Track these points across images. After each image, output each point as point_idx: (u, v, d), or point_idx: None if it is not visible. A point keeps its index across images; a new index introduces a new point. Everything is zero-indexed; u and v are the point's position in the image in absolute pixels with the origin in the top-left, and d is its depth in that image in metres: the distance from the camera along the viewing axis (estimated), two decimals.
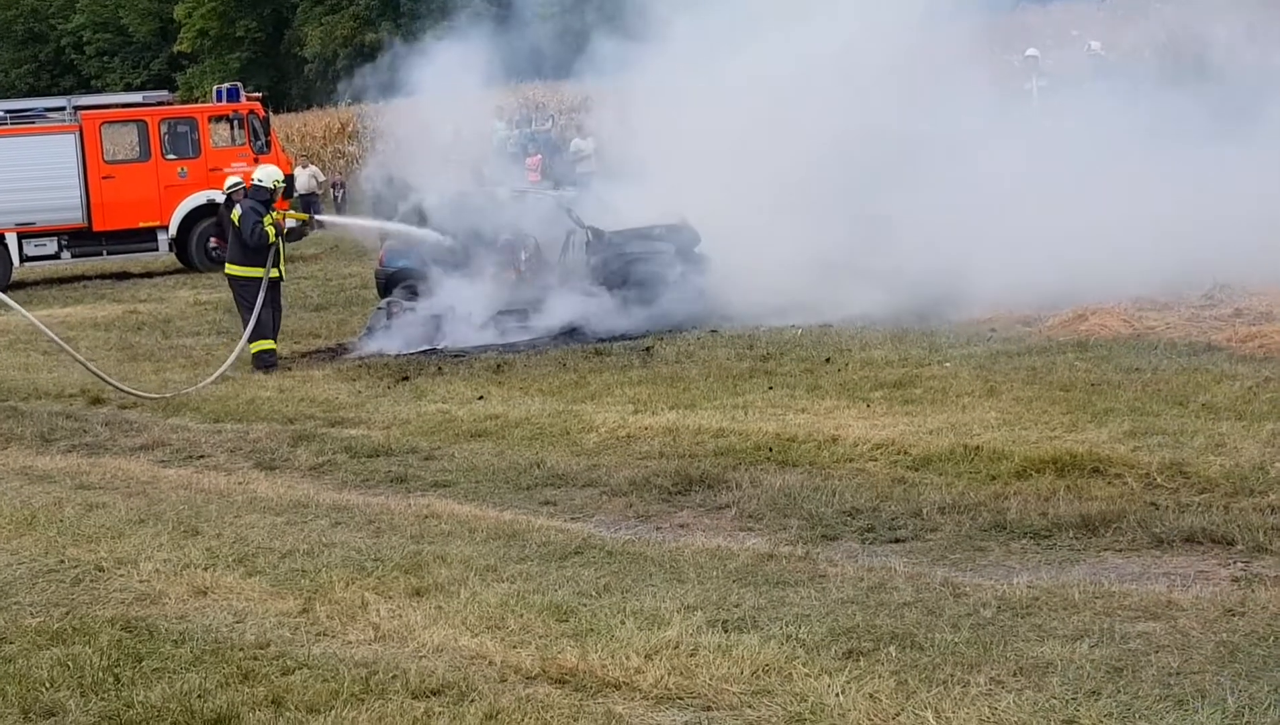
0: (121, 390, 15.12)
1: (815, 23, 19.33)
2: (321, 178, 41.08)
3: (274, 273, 16.98)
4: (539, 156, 32.08)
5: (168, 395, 15.26)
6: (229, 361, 16.35)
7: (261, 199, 17.04)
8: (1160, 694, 6.11)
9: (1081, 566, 8.07)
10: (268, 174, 17.47)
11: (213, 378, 15.76)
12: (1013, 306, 16.10)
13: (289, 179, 25.65)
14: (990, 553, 8.47)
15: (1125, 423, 10.71)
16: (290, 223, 18.55)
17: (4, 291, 14.09)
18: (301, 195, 29.21)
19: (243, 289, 16.93)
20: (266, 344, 16.87)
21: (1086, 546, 8.42)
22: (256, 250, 16.79)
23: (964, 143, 18.75)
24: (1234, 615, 7.02)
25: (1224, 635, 6.76)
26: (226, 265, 17.45)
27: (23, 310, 15.92)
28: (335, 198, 42.82)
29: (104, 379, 15.23)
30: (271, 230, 16.72)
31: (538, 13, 27.56)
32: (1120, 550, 8.32)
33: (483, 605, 7.78)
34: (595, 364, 15.33)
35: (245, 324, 16.80)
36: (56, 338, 15.83)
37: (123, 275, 30.48)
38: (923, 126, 19.20)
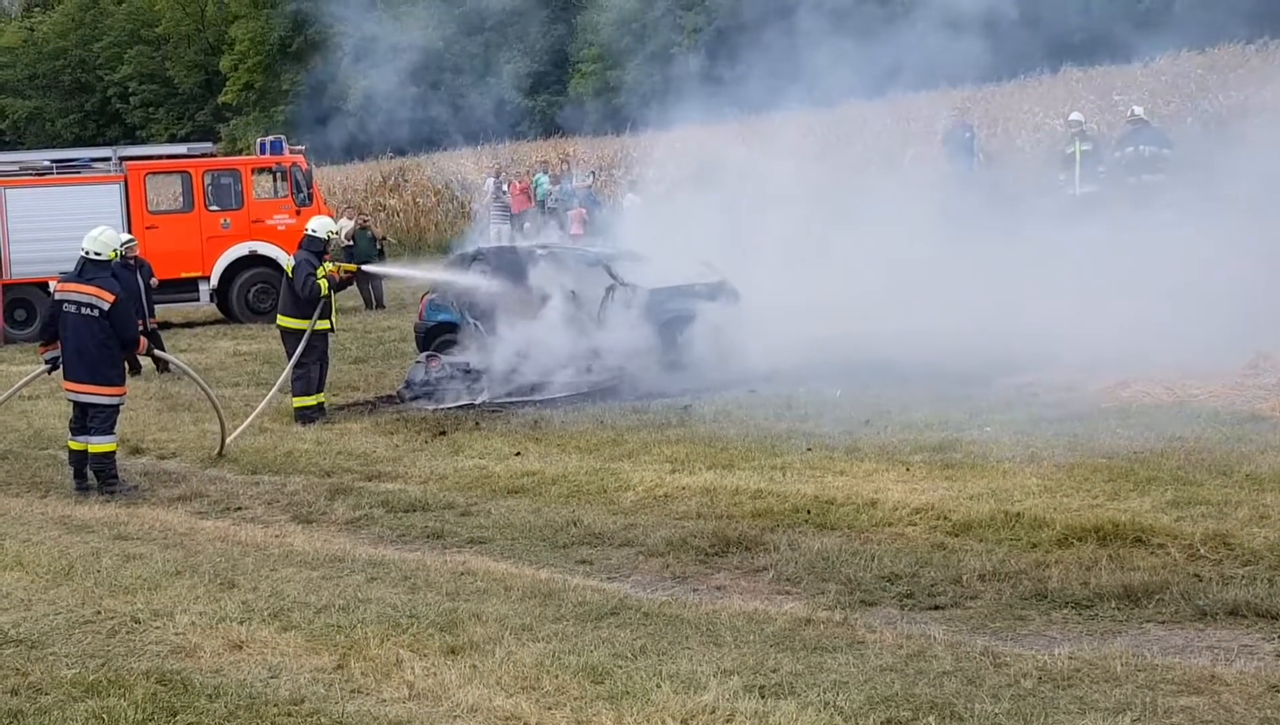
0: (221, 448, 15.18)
1: None
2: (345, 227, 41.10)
3: (324, 325, 17.00)
4: (582, 210, 32.23)
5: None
6: (259, 410, 16.42)
7: (315, 250, 17.03)
8: None
9: (1124, 638, 7.98)
10: (321, 225, 17.43)
11: (240, 430, 15.76)
12: (1054, 372, 15.98)
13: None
14: (1031, 622, 8.39)
15: (1168, 492, 10.59)
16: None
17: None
18: (345, 246, 29.44)
19: (295, 340, 16.96)
20: (309, 400, 16.86)
21: (1129, 617, 8.34)
22: (308, 302, 16.81)
23: None
24: (1278, 691, 6.92)
25: (1268, 712, 6.67)
26: (278, 317, 17.47)
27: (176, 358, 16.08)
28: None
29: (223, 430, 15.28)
30: (324, 283, 16.74)
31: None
32: (1163, 622, 8.24)
33: (518, 665, 7.74)
34: (633, 422, 15.26)
35: (292, 377, 16.83)
36: (198, 378, 15.82)
37: (164, 325, 30.45)
38: None
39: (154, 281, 23.13)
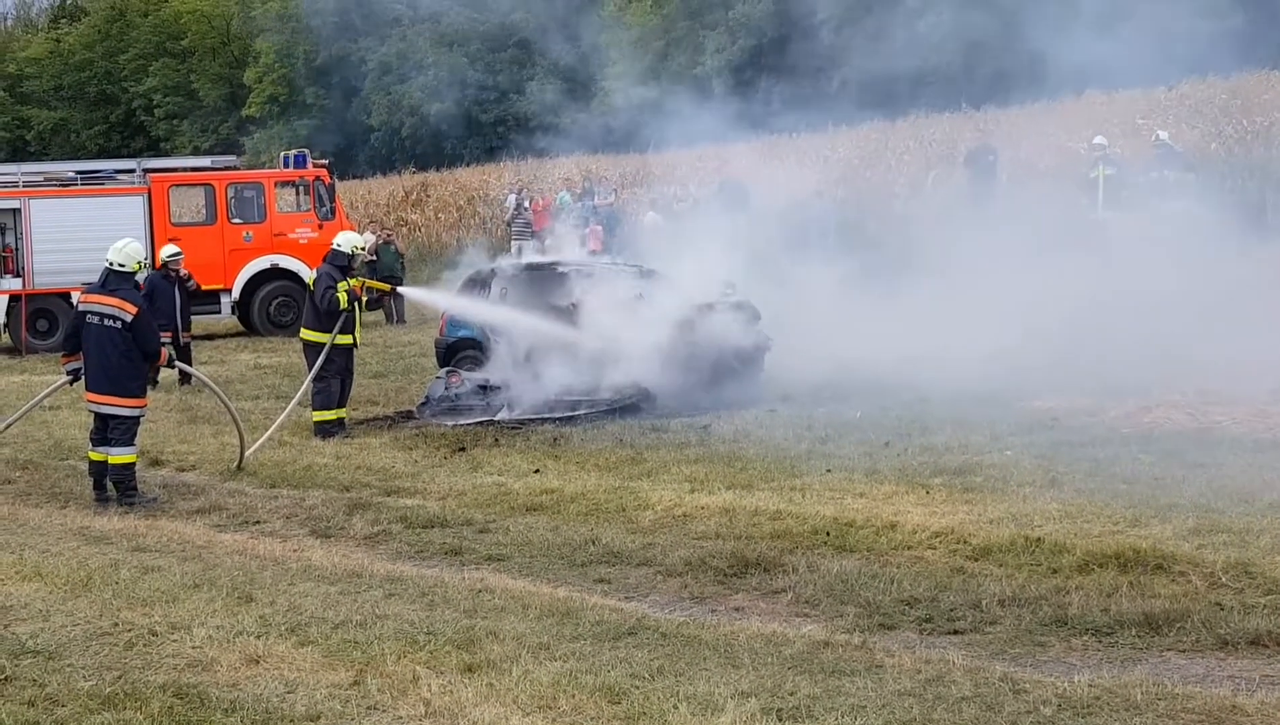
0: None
1: None
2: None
3: (346, 340, 17.00)
4: (598, 227, 32.29)
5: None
6: (278, 423, 16.43)
7: (339, 264, 17.04)
8: None
9: (1144, 666, 7.93)
10: (346, 240, 17.46)
11: (259, 444, 15.74)
12: (1076, 396, 15.92)
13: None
14: (1051, 648, 8.35)
15: (1190, 519, 10.53)
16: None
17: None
18: (369, 261, 29.46)
19: (316, 353, 16.96)
20: (329, 414, 16.85)
21: (1149, 645, 8.30)
22: (329, 316, 16.83)
23: None
24: None
25: None
26: (302, 330, 17.51)
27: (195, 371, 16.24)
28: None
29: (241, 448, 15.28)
30: (344, 296, 16.72)
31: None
32: (1184, 650, 8.19)
33: (535, 684, 7.72)
34: (652, 440, 15.23)
35: (313, 390, 16.83)
36: (220, 393, 15.79)
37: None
38: None
39: (193, 285, 23.11)
